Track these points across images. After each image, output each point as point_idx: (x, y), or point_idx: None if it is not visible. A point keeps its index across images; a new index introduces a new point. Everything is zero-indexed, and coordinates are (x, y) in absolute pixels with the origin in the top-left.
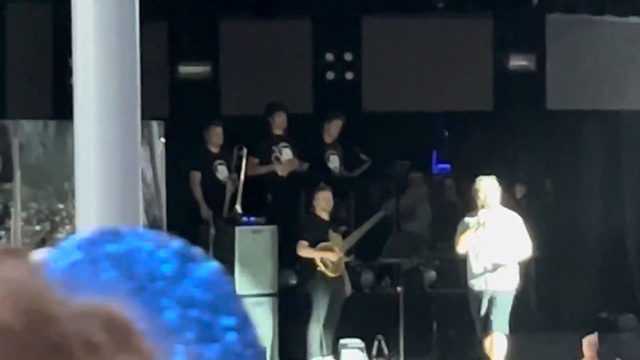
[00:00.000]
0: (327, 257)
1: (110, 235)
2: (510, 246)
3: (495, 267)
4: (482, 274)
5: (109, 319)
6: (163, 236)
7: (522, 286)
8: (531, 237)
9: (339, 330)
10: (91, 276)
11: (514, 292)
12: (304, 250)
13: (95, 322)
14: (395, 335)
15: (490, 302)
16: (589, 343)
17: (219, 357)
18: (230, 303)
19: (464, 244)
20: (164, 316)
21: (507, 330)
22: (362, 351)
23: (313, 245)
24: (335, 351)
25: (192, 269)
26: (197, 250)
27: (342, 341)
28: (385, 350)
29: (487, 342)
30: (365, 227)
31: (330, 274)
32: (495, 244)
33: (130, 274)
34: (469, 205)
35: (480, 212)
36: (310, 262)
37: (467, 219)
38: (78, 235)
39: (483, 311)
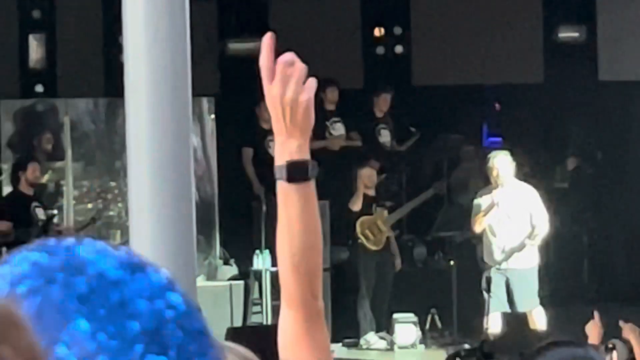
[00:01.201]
0: (369, 227)
1: (54, 248)
2: (528, 222)
3: (515, 246)
4: (501, 253)
5: None
6: (109, 246)
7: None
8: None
9: (392, 305)
10: (26, 292)
11: (536, 268)
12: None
13: None
14: (449, 309)
15: (513, 281)
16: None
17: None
18: (181, 314)
19: (480, 226)
20: (104, 331)
21: (538, 304)
22: (416, 325)
23: (355, 219)
24: (389, 326)
25: (139, 280)
26: (146, 259)
27: (395, 316)
28: (439, 324)
29: (503, 320)
30: (412, 204)
31: (371, 247)
32: (512, 221)
33: (69, 288)
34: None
35: (495, 191)
36: (353, 235)
37: (480, 199)
38: (24, 248)
39: (503, 291)
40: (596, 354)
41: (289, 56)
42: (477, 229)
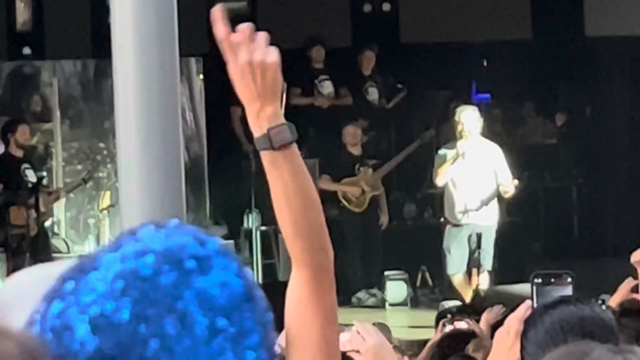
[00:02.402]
0: (349, 191)
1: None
2: (492, 179)
3: (479, 200)
4: (464, 208)
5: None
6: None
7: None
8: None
9: (382, 262)
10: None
11: (496, 227)
12: (326, 184)
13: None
14: (439, 266)
15: (477, 237)
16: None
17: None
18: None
19: (443, 176)
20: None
21: (490, 266)
22: (406, 282)
23: (338, 180)
24: (380, 283)
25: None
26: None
27: (386, 273)
28: (430, 281)
29: (465, 279)
30: (398, 159)
31: (353, 209)
32: (476, 175)
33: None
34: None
35: (459, 143)
36: (334, 197)
37: (444, 150)
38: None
39: (465, 247)
40: (602, 311)
41: (248, 26)
42: (440, 181)
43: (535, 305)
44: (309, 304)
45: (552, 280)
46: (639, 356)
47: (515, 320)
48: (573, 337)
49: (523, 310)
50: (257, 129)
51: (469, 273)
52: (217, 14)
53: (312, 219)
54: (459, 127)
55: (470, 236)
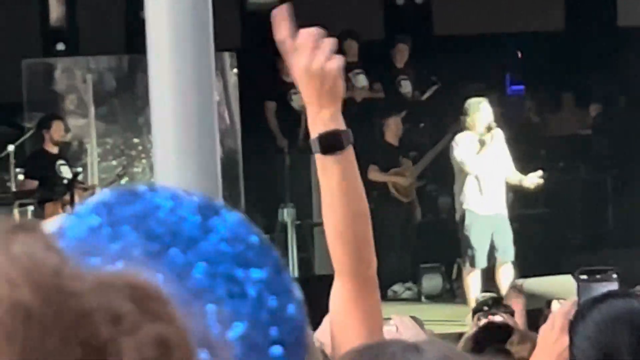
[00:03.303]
0: (398, 182)
1: (127, 196)
2: (505, 168)
3: (500, 190)
4: (488, 197)
5: (132, 287)
6: (182, 192)
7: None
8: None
9: (417, 255)
10: (111, 241)
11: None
12: (375, 174)
13: (118, 293)
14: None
15: (499, 227)
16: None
17: (252, 312)
18: (258, 254)
19: (473, 165)
20: (192, 275)
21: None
22: (442, 275)
23: (384, 170)
24: (415, 276)
25: (215, 223)
26: (219, 203)
27: (422, 266)
28: (464, 274)
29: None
30: (434, 151)
31: (402, 199)
32: (498, 164)
33: (151, 234)
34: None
35: (484, 133)
36: (384, 187)
37: (464, 138)
38: (93, 199)
39: (488, 238)
40: None
41: (315, 30)
42: (472, 170)
43: (580, 301)
44: (354, 312)
45: (598, 276)
46: (435, 348)
47: (560, 316)
48: (622, 330)
49: (568, 306)
50: (313, 130)
51: (493, 265)
52: (282, 13)
53: (356, 228)
54: (482, 117)
55: (497, 225)
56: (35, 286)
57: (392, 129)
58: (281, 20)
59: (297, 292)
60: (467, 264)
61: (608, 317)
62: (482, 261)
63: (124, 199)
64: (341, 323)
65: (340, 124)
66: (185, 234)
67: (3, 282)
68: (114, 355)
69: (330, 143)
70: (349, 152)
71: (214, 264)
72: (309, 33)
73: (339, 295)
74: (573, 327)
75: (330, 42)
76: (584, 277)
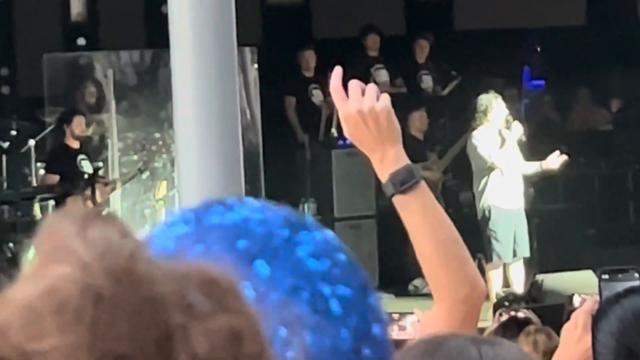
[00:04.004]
0: (427, 176)
1: (217, 207)
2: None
3: (521, 184)
4: (511, 192)
5: (206, 280)
6: (271, 205)
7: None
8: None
9: None
10: (197, 250)
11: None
12: None
13: (191, 283)
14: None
15: (520, 222)
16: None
17: (335, 329)
18: (345, 272)
19: (498, 160)
20: (276, 287)
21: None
22: None
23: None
24: None
25: (303, 238)
26: (310, 219)
27: None
28: (486, 269)
29: (517, 266)
30: (458, 146)
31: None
32: (517, 158)
33: (238, 246)
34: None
35: (502, 129)
36: None
37: (484, 134)
38: (183, 208)
39: (511, 233)
40: None
41: (357, 83)
42: (501, 165)
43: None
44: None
45: (620, 276)
46: (495, 348)
47: (583, 314)
48: None
49: (591, 304)
50: (382, 175)
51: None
52: (337, 73)
53: (449, 253)
54: (501, 112)
55: (519, 220)
56: (108, 270)
57: (417, 123)
58: (335, 75)
59: (384, 314)
60: (493, 259)
61: (631, 313)
62: (508, 255)
63: (213, 209)
64: None
65: (406, 159)
66: (273, 246)
67: (78, 264)
68: (183, 342)
69: (404, 180)
70: (423, 184)
71: (300, 278)
72: (357, 83)
73: (434, 318)
74: (596, 323)
75: (373, 87)
76: (606, 276)
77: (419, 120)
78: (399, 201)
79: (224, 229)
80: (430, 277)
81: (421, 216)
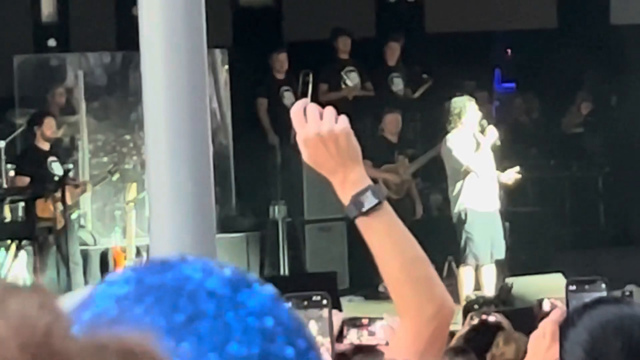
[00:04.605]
0: (390, 178)
1: (158, 266)
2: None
3: (495, 187)
4: (486, 195)
5: (125, 352)
6: (214, 264)
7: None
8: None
9: None
10: (136, 310)
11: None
12: (367, 170)
13: (109, 356)
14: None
15: (495, 225)
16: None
17: None
18: (288, 331)
19: (473, 163)
20: (215, 349)
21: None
22: None
23: (378, 166)
24: None
25: (244, 297)
26: (252, 277)
27: None
28: (456, 271)
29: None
30: (431, 153)
31: (393, 196)
32: (492, 162)
33: (176, 307)
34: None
35: (476, 132)
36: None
37: (458, 138)
38: (127, 267)
39: (488, 236)
40: None
41: (315, 106)
42: (473, 168)
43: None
44: (404, 356)
45: (586, 286)
46: None
47: (551, 323)
48: (613, 336)
49: (559, 314)
50: (344, 197)
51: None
52: (303, 102)
53: (416, 273)
54: (475, 115)
55: (491, 224)
56: (23, 345)
57: (390, 126)
58: (300, 103)
59: None
60: (470, 261)
61: (599, 323)
62: (485, 258)
63: (155, 269)
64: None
65: (368, 180)
66: (213, 306)
67: None
68: None
69: (367, 201)
70: (386, 205)
71: (242, 339)
72: (314, 106)
73: (400, 337)
74: (563, 332)
75: (331, 110)
76: (573, 287)
77: (393, 123)
78: (362, 223)
79: (164, 289)
80: (396, 297)
81: (385, 237)
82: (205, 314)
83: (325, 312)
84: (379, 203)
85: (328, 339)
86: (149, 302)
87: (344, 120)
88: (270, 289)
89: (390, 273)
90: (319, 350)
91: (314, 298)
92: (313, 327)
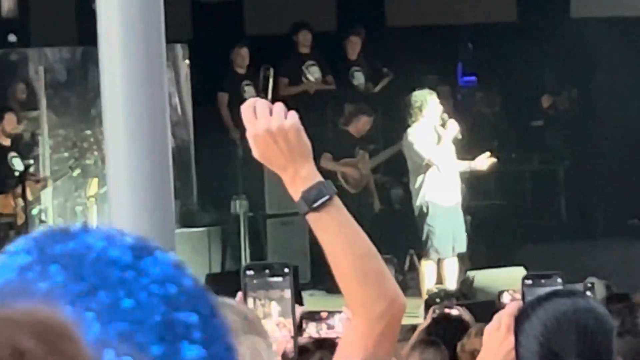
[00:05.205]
0: (349, 172)
1: (59, 235)
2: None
3: (457, 180)
4: (448, 188)
5: (37, 324)
6: (116, 232)
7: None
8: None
9: None
10: (39, 281)
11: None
12: (327, 163)
13: (23, 329)
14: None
15: (457, 218)
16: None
17: (182, 356)
18: (191, 298)
19: (435, 157)
20: (120, 317)
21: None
22: (394, 267)
23: (338, 159)
24: None
25: (147, 265)
26: (154, 244)
27: None
28: (418, 265)
29: (451, 262)
30: (392, 150)
31: (350, 190)
32: (453, 155)
33: (80, 275)
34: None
35: (437, 125)
36: (332, 176)
37: (420, 131)
38: (27, 236)
39: (450, 229)
40: (598, 304)
41: (264, 102)
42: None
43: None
44: (355, 352)
45: (543, 281)
46: None
47: (506, 316)
48: (568, 328)
49: (514, 307)
50: (295, 193)
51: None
52: (252, 101)
53: (366, 268)
54: (437, 108)
55: (452, 218)
56: None
57: (359, 126)
58: (251, 101)
59: (230, 337)
60: (432, 255)
61: (554, 315)
62: (447, 251)
63: (56, 238)
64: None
65: (318, 177)
66: (116, 275)
67: None
68: None
69: (317, 198)
70: (336, 200)
71: (144, 306)
72: (264, 102)
73: (350, 333)
74: (518, 325)
75: (280, 105)
76: (529, 281)
77: (365, 125)
78: (312, 219)
79: (67, 258)
80: (346, 293)
81: (336, 232)
82: (108, 283)
83: (286, 293)
84: (329, 199)
85: (290, 319)
86: (51, 271)
87: (293, 116)
88: (172, 256)
89: (341, 268)
90: (223, 317)
91: (276, 267)
92: (275, 308)
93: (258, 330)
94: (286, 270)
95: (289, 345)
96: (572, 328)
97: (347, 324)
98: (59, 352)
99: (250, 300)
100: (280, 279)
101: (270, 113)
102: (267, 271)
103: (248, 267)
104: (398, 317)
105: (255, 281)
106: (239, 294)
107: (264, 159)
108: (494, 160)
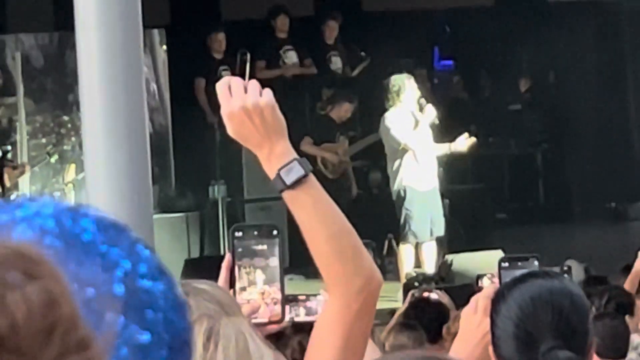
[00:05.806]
0: (328, 157)
1: (2, 204)
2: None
3: (434, 165)
4: (425, 173)
5: (14, 253)
6: (51, 200)
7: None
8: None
9: None
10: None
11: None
12: (307, 146)
13: (3, 258)
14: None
15: (435, 202)
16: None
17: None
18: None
19: (412, 142)
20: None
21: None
22: (373, 251)
23: (318, 144)
24: None
25: (88, 221)
26: (86, 206)
27: None
28: (396, 249)
29: (429, 247)
30: (371, 138)
31: (329, 175)
32: (431, 139)
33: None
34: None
35: (415, 110)
36: (312, 161)
37: (396, 115)
38: None
39: (428, 213)
40: (574, 285)
41: (239, 80)
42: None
43: None
44: (332, 330)
45: (519, 264)
46: None
47: (482, 298)
48: (544, 309)
49: (491, 289)
50: (270, 171)
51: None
52: (227, 79)
53: (342, 245)
54: (414, 93)
55: (430, 202)
56: None
57: (341, 112)
58: (226, 79)
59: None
60: (410, 239)
61: (529, 297)
62: (425, 235)
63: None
64: (319, 336)
65: (294, 154)
66: (67, 233)
67: None
68: (1, 310)
69: (292, 175)
70: (312, 178)
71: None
72: (239, 80)
73: (326, 311)
74: (494, 307)
75: (255, 83)
76: (506, 264)
77: (347, 112)
78: (288, 196)
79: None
80: (324, 270)
81: (311, 210)
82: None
83: (272, 261)
84: (305, 176)
85: (275, 287)
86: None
87: (268, 93)
88: (110, 215)
89: (318, 245)
90: (155, 263)
91: (264, 228)
92: (260, 276)
93: (234, 311)
94: (274, 232)
95: (277, 308)
96: (547, 309)
97: (325, 304)
98: (38, 275)
99: (236, 268)
100: (265, 247)
101: (245, 91)
102: (255, 232)
103: (236, 229)
104: (375, 294)
105: (240, 249)
106: (228, 255)
107: (239, 136)
108: (474, 140)
